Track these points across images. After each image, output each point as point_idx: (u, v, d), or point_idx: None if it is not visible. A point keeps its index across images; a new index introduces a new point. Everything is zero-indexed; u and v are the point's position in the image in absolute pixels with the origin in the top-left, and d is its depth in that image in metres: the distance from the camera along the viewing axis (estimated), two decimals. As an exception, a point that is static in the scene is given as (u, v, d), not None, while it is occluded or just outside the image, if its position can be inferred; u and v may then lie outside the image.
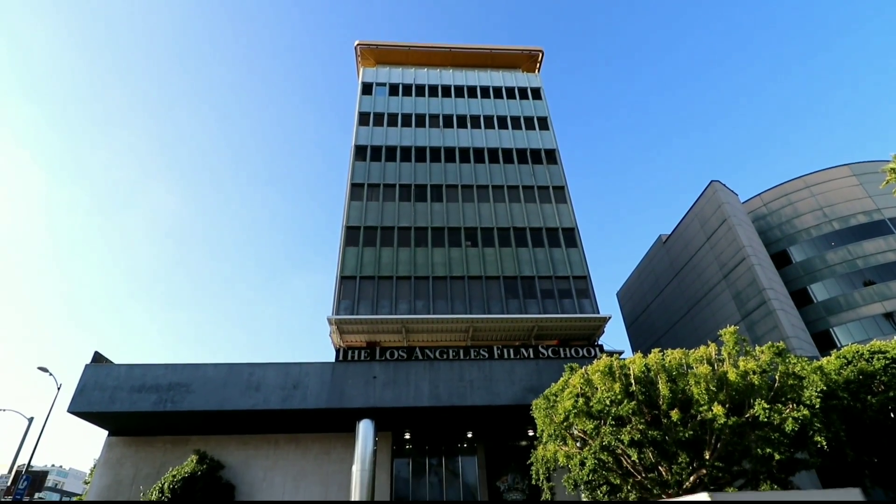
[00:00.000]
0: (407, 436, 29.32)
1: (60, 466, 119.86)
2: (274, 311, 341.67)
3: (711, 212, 47.34)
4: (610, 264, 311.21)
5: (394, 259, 33.94)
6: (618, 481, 18.70)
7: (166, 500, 24.25)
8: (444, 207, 37.06)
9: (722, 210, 45.93)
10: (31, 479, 24.12)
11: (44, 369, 22.60)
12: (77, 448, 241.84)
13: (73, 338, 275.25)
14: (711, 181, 48.30)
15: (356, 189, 37.60)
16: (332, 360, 28.01)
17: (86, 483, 38.04)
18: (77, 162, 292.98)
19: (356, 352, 28.88)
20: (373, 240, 34.84)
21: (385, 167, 39.19)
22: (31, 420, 22.97)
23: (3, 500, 20.69)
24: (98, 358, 28.11)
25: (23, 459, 41.69)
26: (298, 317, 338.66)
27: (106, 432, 28.42)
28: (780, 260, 47.44)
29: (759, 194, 52.73)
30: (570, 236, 36.12)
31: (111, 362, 28.41)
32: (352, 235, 34.87)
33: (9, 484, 22.12)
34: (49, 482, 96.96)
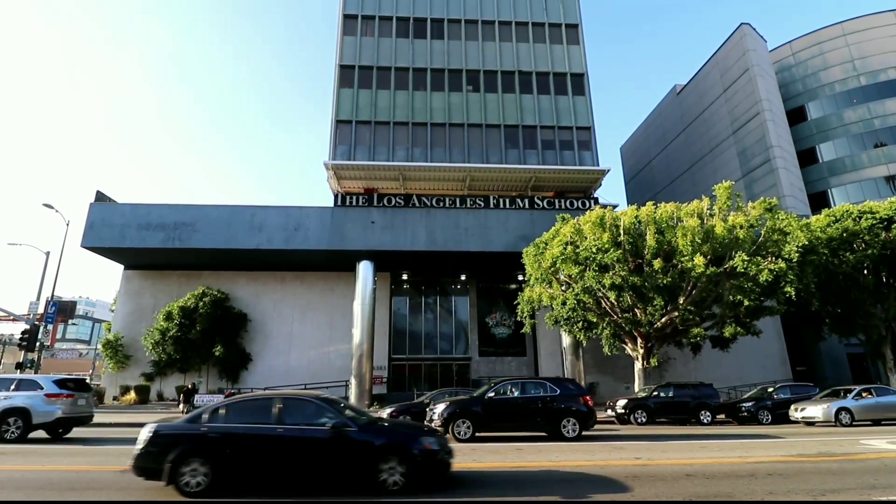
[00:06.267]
0: (405, 276, 31.30)
1: (88, 297, 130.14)
2: (271, 160, 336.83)
3: (734, 60, 43.84)
4: (616, 116, 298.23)
5: (391, 103, 32.34)
6: (595, 319, 20.49)
7: (178, 325, 26.72)
8: (444, 46, 34.08)
9: (746, 58, 42.48)
10: (59, 306, 26.18)
11: (49, 206, 23.01)
12: (102, 283, 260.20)
13: (68, 180, 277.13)
14: (741, 24, 43.82)
15: (349, 22, 34.14)
16: (332, 205, 28.46)
17: (111, 311, 41.60)
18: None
19: (354, 197, 29.22)
20: (368, 81, 32.75)
21: (380, -6, 35.05)
22: (48, 254, 24.15)
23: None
24: (100, 197, 28.51)
25: (47, 292, 44.59)
26: (298, 166, 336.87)
27: (122, 266, 30.26)
28: (795, 116, 45.35)
29: (789, 42, 48.28)
30: (579, 83, 33.93)
31: (114, 201, 28.95)
32: (346, 76, 32.68)
33: (39, 311, 23.91)
34: (79, 311, 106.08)
